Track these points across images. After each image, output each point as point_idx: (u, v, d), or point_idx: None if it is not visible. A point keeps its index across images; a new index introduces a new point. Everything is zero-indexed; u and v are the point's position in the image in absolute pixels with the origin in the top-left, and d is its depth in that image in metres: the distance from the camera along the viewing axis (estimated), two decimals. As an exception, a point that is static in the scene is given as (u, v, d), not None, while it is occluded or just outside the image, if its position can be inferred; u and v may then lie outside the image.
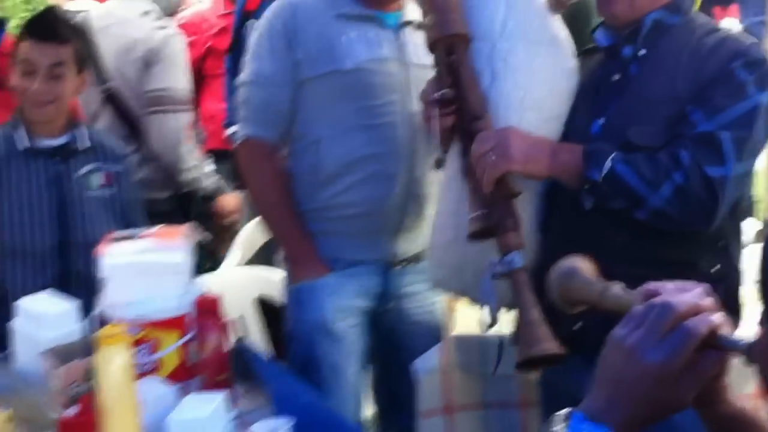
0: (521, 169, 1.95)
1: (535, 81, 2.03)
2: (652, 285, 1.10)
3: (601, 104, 2.02)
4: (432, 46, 2.10)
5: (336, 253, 2.58)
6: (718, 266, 2.03)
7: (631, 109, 1.98)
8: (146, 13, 3.47)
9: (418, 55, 2.48)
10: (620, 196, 1.92)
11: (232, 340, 2.36)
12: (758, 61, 1.94)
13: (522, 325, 1.89)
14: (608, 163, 1.90)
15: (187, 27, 3.97)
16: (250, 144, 2.61)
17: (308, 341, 2.60)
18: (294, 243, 2.60)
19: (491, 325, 2.05)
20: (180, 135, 3.35)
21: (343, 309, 2.60)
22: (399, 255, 2.63)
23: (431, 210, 2.57)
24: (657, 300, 1.05)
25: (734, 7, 4.49)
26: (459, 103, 2.01)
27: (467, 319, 2.69)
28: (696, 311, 1.04)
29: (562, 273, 1.33)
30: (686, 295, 1.06)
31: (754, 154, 1.97)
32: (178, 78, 3.39)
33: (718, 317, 1.05)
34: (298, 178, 2.60)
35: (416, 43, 2.52)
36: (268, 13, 2.62)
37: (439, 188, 2.20)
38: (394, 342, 2.73)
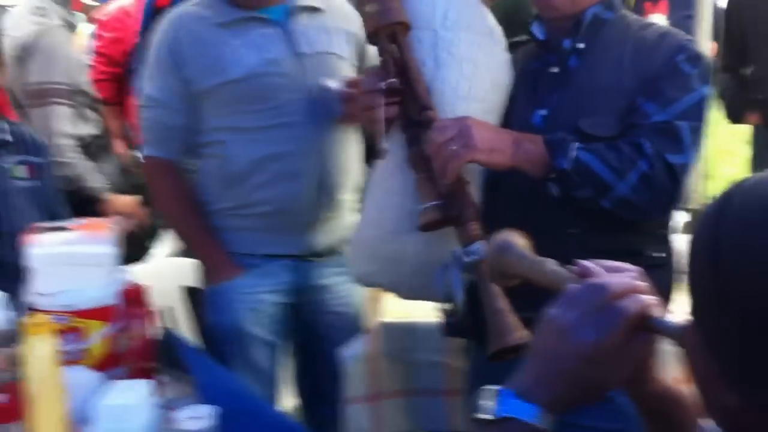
0: (485, 159, 1.95)
1: (478, 72, 2.05)
2: (586, 263, 1.12)
3: (541, 96, 2.07)
4: (373, 35, 2.10)
5: (250, 248, 2.66)
6: (663, 254, 2.12)
7: (575, 100, 2.04)
8: (38, 8, 3.52)
9: (312, 43, 2.55)
10: (587, 185, 1.95)
11: (158, 329, 2.43)
12: (698, 56, 2.04)
13: (490, 315, 1.89)
14: (574, 152, 1.94)
15: (110, 22, 4.01)
16: (150, 162, 2.73)
17: (222, 343, 2.68)
18: (204, 250, 2.69)
19: (453, 316, 2.06)
20: (55, 129, 3.40)
21: (256, 309, 2.68)
22: (314, 248, 2.70)
23: (347, 201, 2.68)
24: (591, 280, 1.06)
25: (663, 3, 4.65)
26: (405, 93, 2.02)
27: (393, 307, 2.78)
28: (629, 292, 1.04)
29: (497, 247, 1.36)
30: (620, 275, 1.08)
31: (699, 146, 2.06)
32: (54, 72, 3.44)
33: (651, 299, 1.06)
34: (208, 178, 2.69)
35: (309, 31, 2.58)
36: (157, 32, 2.69)
37: (371, 181, 2.20)
38: (313, 334, 2.81)
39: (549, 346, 1.05)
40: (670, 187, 1.98)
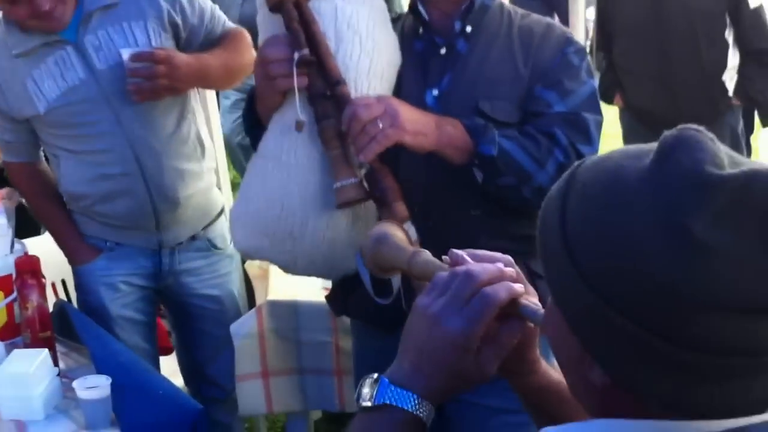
0: (411, 141, 1.91)
1: (378, 48, 2.03)
2: (458, 252, 1.14)
3: (431, 76, 2.07)
4: (278, 4, 2.05)
5: (102, 236, 2.75)
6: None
7: (469, 83, 2.04)
8: None
9: (108, 55, 2.55)
10: (510, 173, 1.96)
11: (53, 300, 2.54)
12: (583, 50, 2.10)
13: (419, 289, 1.80)
14: (497, 139, 1.95)
15: None
16: (8, 165, 2.80)
17: (79, 320, 2.69)
18: (61, 237, 2.78)
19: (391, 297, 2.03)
20: None
21: (119, 290, 2.76)
22: (168, 242, 2.77)
23: (197, 199, 2.74)
24: (459, 268, 1.08)
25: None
26: (316, 65, 1.99)
27: (281, 285, 2.85)
28: (497, 279, 1.06)
29: (374, 238, 1.41)
30: (489, 263, 1.09)
31: (598, 136, 2.13)
32: None
33: (519, 286, 1.07)
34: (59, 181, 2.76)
35: (104, 39, 2.54)
36: None
37: (262, 153, 2.08)
38: (186, 315, 2.91)
39: (421, 334, 1.06)
40: None
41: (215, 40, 2.70)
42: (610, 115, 6.12)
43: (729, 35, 4.19)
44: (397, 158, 1.99)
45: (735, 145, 4.31)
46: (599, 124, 2.05)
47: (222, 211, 2.88)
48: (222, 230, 2.82)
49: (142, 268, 2.76)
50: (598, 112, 2.06)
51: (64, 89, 2.53)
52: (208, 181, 2.81)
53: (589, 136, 2.01)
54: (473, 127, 1.96)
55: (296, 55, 1.94)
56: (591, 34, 4.94)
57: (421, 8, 2.08)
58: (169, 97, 2.61)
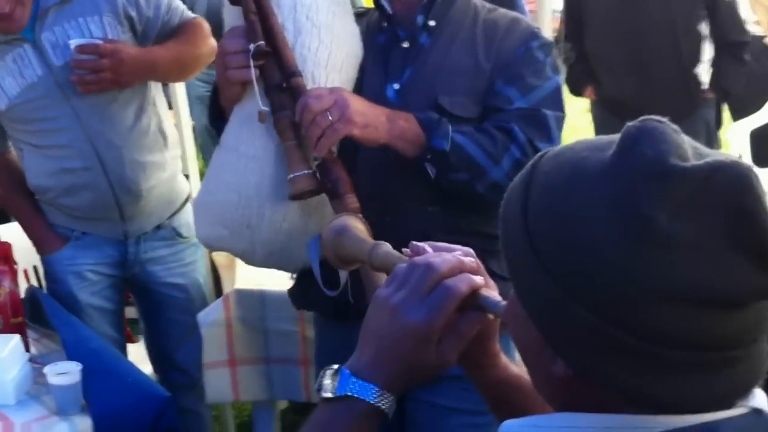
0: (361, 134, 1.92)
1: (336, 40, 2.04)
2: (419, 245, 1.15)
3: (392, 69, 2.08)
4: None
5: (69, 225, 2.81)
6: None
7: (429, 77, 2.05)
8: None
9: (65, 50, 2.58)
10: (463, 169, 1.96)
11: (25, 287, 2.60)
12: (549, 44, 2.10)
13: (366, 276, 1.76)
14: (450, 134, 1.95)
15: None
16: None
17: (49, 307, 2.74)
18: (28, 227, 2.84)
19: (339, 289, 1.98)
20: None
21: (85, 278, 2.82)
22: (130, 233, 2.83)
23: (160, 190, 2.80)
24: (419, 260, 1.09)
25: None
26: (272, 57, 2.00)
27: (248, 275, 2.90)
28: (456, 271, 1.07)
29: (334, 230, 1.45)
30: (448, 255, 1.11)
31: (560, 132, 2.13)
32: None
33: (479, 278, 1.09)
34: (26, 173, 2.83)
35: (59, 35, 2.59)
36: None
37: (224, 143, 2.11)
38: (153, 303, 2.97)
39: (382, 326, 1.07)
40: None
41: (173, 31, 2.75)
42: (580, 107, 6.16)
43: (704, 27, 4.22)
44: (357, 151, 2.02)
45: (710, 139, 4.38)
46: (560, 121, 2.06)
47: (188, 200, 2.93)
48: (187, 219, 2.87)
49: (108, 257, 2.82)
50: (561, 108, 2.07)
51: (23, 86, 2.60)
52: (172, 171, 2.87)
53: (548, 132, 2.01)
54: (426, 121, 1.97)
55: (251, 47, 1.96)
56: (557, 24, 4.92)
57: (384, 2, 2.10)
58: (128, 91, 2.68)
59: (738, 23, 4.28)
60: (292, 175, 1.95)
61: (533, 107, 2.01)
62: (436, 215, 2.05)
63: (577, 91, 4.52)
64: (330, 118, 1.89)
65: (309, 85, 1.97)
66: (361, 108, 1.93)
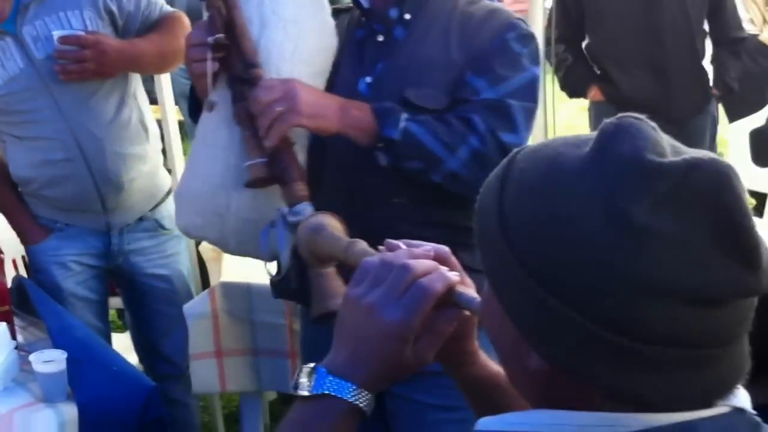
0: (309, 124, 1.97)
1: (303, 34, 2.07)
2: (394, 243, 1.15)
3: (366, 63, 2.10)
4: None
5: (52, 216, 2.85)
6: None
7: (401, 70, 2.07)
8: None
9: (46, 43, 2.62)
10: (416, 158, 1.98)
11: (11, 276, 2.64)
12: (529, 35, 2.08)
13: (314, 278, 1.86)
14: (403, 123, 1.97)
15: None
16: None
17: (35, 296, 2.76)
18: (14, 220, 2.87)
19: (279, 276, 2.10)
20: None
21: (69, 269, 2.86)
22: (113, 225, 2.87)
23: (142, 182, 2.83)
24: (391, 257, 1.10)
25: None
26: (232, 48, 2.03)
27: (235, 266, 2.93)
28: (432, 269, 1.08)
29: (310, 228, 1.47)
30: (422, 251, 1.11)
31: (531, 125, 2.11)
32: None
33: (455, 275, 1.09)
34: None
35: (40, 28, 2.63)
36: None
37: (198, 133, 2.17)
38: (137, 294, 3.02)
39: (357, 325, 1.07)
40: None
41: (153, 25, 2.80)
42: (577, 106, 6.15)
43: (705, 24, 4.24)
44: (323, 142, 2.06)
45: (714, 135, 4.41)
46: (530, 112, 2.06)
47: (169, 192, 2.96)
48: (170, 211, 2.89)
49: (92, 248, 2.87)
50: (532, 100, 2.07)
51: (5, 79, 2.65)
52: (153, 164, 2.92)
53: (513, 124, 2.01)
54: (379, 110, 1.99)
55: (210, 39, 2.00)
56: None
57: None
58: (109, 83, 2.74)
59: (738, 20, 4.31)
60: (248, 163, 2.01)
61: (500, 98, 2.01)
62: (402, 207, 2.06)
63: (578, 93, 4.48)
64: (278, 108, 1.93)
65: (275, 77, 2.01)
66: (310, 98, 1.97)
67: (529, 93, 2.06)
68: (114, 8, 2.72)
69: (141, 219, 2.91)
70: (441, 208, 2.08)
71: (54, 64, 2.62)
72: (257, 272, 2.80)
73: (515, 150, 1.00)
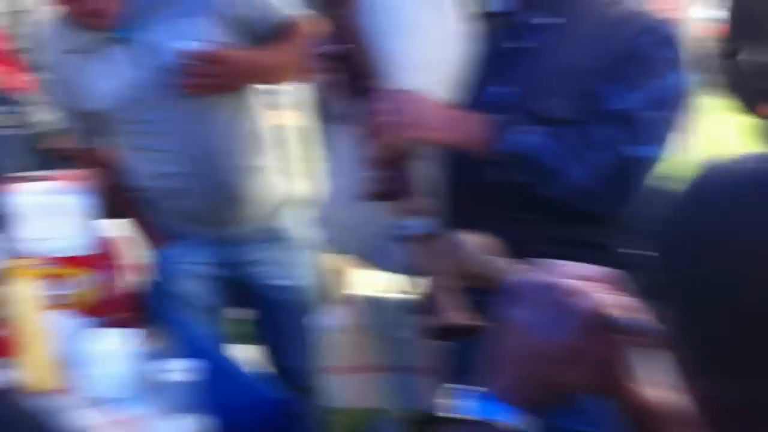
0: (421, 135, 1.96)
1: (427, 41, 2.04)
2: (543, 261, 1.13)
3: (505, 72, 2.06)
4: None
5: (173, 225, 2.82)
6: (630, 249, 2.11)
7: (537, 79, 2.02)
8: None
9: (161, 52, 2.58)
10: (537, 172, 1.95)
11: (138, 282, 2.59)
12: (669, 39, 2.00)
13: (433, 292, 1.88)
14: (525, 136, 1.93)
15: None
16: (83, 151, 2.89)
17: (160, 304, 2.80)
18: (137, 225, 2.84)
19: (403, 290, 2.16)
20: None
21: (188, 274, 2.84)
22: (231, 236, 2.84)
23: (259, 192, 2.80)
24: (546, 278, 1.08)
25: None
26: (351, 58, 2.01)
27: (364, 279, 2.92)
28: (585, 290, 1.06)
29: (452, 247, 1.44)
30: (582, 272, 1.09)
31: (666, 137, 2.04)
32: None
33: (614, 298, 1.06)
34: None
35: (157, 36, 2.59)
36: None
37: (331, 145, 2.22)
38: (259, 304, 2.98)
39: (515, 347, 1.06)
40: (623, 180, 1.96)
41: (273, 32, 2.74)
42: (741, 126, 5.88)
43: None
44: (447, 154, 2.04)
45: None
46: (660, 122, 1.97)
47: (290, 201, 2.92)
48: (290, 220, 2.89)
49: (212, 257, 2.84)
50: (666, 109, 1.97)
51: (120, 86, 2.61)
52: (269, 173, 2.86)
53: (639, 136, 1.94)
54: (499, 122, 1.95)
55: (328, 49, 2.00)
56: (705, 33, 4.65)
57: (500, 3, 2.08)
58: (225, 95, 2.69)
59: None
60: (365, 175, 1.99)
61: (630, 108, 1.93)
62: (530, 223, 2.01)
63: (749, 108, 4.23)
64: (393, 119, 1.91)
65: (399, 87, 1.97)
66: (424, 109, 1.95)
67: (662, 103, 1.97)
68: (237, 14, 2.66)
69: (259, 229, 2.86)
70: (567, 225, 2.02)
71: (171, 75, 2.58)
72: (386, 284, 2.83)
73: (704, 168, 0.93)
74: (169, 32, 2.59)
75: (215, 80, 2.60)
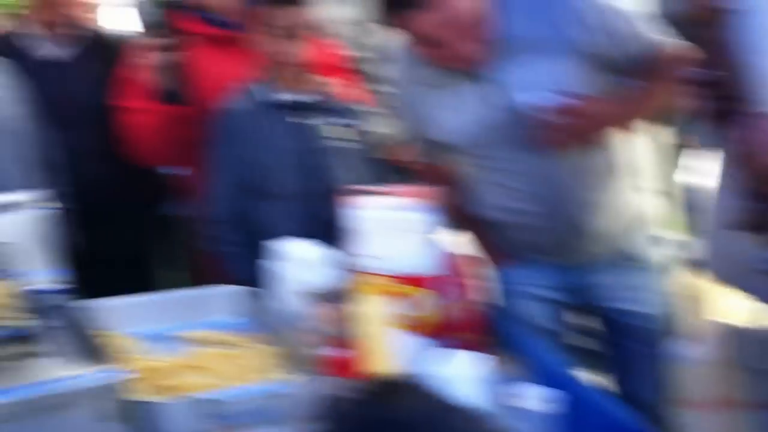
0: None
1: None
2: None
3: None
4: (692, 19, 2.08)
5: (518, 250, 2.75)
6: None
7: None
8: None
9: (520, 92, 2.50)
10: None
11: (487, 303, 2.48)
12: None
13: None
14: None
15: None
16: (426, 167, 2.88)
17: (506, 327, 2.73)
18: (480, 244, 2.76)
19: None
20: None
21: (534, 298, 2.77)
22: (578, 263, 2.76)
23: (612, 222, 2.69)
24: None
25: None
26: (722, 83, 1.97)
27: (727, 307, 2.61)
28: None
29: None
30: None
31: None
32: None
33: None
34: None
35: (516, 75, 2.52)
36: None
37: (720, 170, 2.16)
38: (610, 331, 2.86)
39: None
40: None
41: (639, 65, 2.55)
42: None
43: None
44: None
45: None
46: None
47: (643, 223, 2.79)
48: (642, 243, 2.77)
49: (558, 281, 2.78)
50: None
51: (468, 122, 2.57)
52: (623, 200, 2.73)
53: None
54: None
55: (698, 74, 2.00)
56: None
57: None
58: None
59: None
60: (737, 205, 1.98)
61: None
62: None
63: None
64: (765, 148, 1.87)
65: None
66: None
67: None
68: (603, 52, 2.50)
69: (611, 254, 2.75)
70: None
71: (524, 120, 2.49)
72: (752, 314, 2.52)
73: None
74: (526, 74, 2.50)
75: (574, 135, 2.52)
